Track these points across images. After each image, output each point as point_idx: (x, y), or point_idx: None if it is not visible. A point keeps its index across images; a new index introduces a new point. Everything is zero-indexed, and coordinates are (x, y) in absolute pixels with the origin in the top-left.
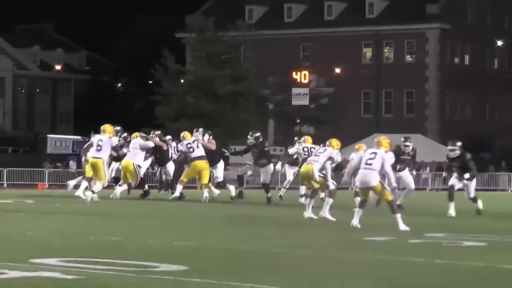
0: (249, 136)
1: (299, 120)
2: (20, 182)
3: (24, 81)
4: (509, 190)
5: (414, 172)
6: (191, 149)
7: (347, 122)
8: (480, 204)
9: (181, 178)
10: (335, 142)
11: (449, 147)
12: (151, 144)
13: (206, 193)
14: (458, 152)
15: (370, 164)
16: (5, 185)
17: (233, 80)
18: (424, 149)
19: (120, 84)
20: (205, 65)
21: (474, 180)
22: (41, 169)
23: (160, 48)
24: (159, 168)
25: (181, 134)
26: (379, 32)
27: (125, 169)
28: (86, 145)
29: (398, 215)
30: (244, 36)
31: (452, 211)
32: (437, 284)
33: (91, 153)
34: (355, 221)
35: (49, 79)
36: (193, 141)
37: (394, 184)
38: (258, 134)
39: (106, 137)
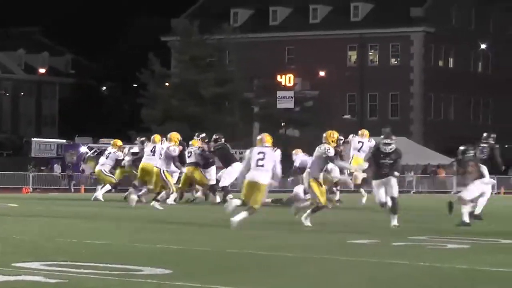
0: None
1: (284, 123)
2: (4, 186)
3: (8, 85)
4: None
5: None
6: (189, 154)
7: (332, 125)
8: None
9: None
10: (330, 136)
11: (385, 141)
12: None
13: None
14: (394, 146)
15: (262, 166)
16: None
17: (218, 83)
18: (409, 152)
19: (105, 87)
20: (190, 68)
21: (396, 182)
22: (26, 172)
23: (146, 51)
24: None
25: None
26: (364, 35)
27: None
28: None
29: (246, 214)
30: (229, 39)
31: (395, 222)
32: (421, 286)
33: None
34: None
35: (34, 82)
36: (198, 148)
37: (276, 183)
38: (217, 142)
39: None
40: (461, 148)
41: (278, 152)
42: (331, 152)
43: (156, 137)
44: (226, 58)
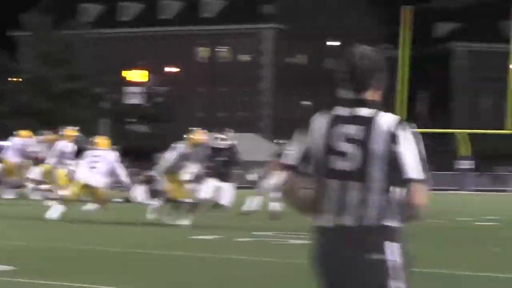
0: None
1: (134, 119)
2: None
3: None
4: None
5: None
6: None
7: (182, 121)
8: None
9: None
10: (193, 136)
11: (217, 135)
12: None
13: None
14: (229, 142)
15: (95, 168)
16: None
17: (69, 78)
18: (257, 148)
19: None
20: (41, 64)
21: (232, 187)
22: None
23: None
24: None
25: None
26: (215, 32)
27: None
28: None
29: (98, 206)
30: (80, 35)
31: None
32: (263, 281)
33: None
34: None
35: None
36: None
37: (126, 180)
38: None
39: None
40: (275, 142)
41: (115, 154)
42: (187, 152)
43: (23, 132)
44: (77, 53)
